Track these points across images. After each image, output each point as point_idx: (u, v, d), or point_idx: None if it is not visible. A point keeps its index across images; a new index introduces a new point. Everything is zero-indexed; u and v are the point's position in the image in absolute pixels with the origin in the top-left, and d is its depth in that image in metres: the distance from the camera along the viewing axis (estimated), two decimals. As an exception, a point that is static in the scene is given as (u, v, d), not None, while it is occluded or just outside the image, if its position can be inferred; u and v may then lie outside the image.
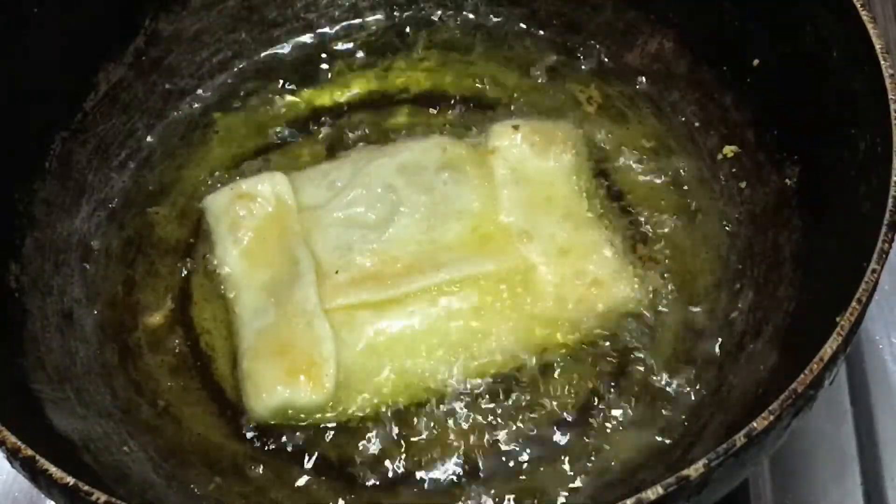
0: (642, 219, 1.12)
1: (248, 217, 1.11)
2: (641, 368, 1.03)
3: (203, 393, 1.05)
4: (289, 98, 1.25)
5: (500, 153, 1.13)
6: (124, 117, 1.21)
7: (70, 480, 0.78)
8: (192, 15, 1.25)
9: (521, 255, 1.06)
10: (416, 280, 1.04)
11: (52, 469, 0.79)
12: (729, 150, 1.14)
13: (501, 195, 1.10)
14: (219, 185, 1.16)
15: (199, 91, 1.26)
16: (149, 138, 1.22)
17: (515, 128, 1.14)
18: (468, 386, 1.01)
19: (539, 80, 1.24)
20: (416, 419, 1.00)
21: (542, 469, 0.98)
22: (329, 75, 1.27)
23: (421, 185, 1.11)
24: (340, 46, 1.29)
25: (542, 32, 1.28)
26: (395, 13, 1.31)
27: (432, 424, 1.00)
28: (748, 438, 0.76)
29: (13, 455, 0.81)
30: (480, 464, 0.98)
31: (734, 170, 1.14)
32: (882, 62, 0.91)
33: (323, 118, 1.23)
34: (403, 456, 0.99)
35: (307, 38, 1.30)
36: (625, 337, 1.04)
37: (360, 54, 1.28)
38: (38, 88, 1.12)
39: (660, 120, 1.20)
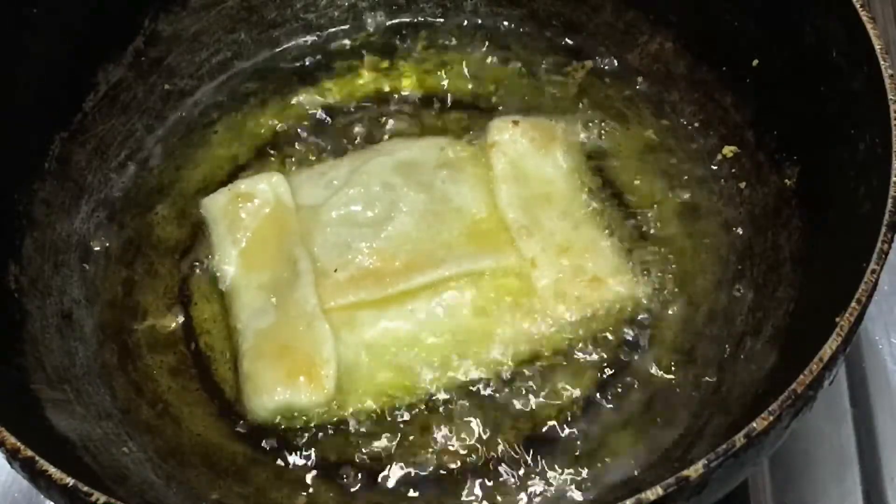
0: (641, 218, 1.12)
1: (247, 217, 1.11)
2: (640, 368, 1.03)
3: (203, 393, 1.05)
4: (288, 98, 1.25)
5: (499, 147, 1.13)
6: (124, 118, 1.21)
7: (70, 481, 0.78)
8: (191, 15, 1.25)
9: (520, 252, 1.06)
10: (415, 278, 1.04)
11: (52, 470, 0.79)
12: (729, 150, 1.14)
13: (500, 191, 1.10)
14: (218, 186, 1.16)
15: (199, 91, 1.26)
16: (148, 138, 1.22)
17: (515, 123, 1.14)
18: (468, 384, 1.01)
19: (538, 81, 1.24)
20: (416, 418, 1.00)
21: (541, 468, 0.97)
22: (328, 76, 1.27)
23: (419, 183, 1.11)
24: (340, 47, 1.30)
25: (541, 33, 1.28)
26: (394, 13, 1.31)
27: (432, 424, 1.00)
28: (748, 439, 0.76)
29: (13, 456, 0.81)
30: (480, 463, 0.98)
31: (734, 170, 1.14)
32: (882, 62, 0.91)
33: (322, 118, 1.23)
34: (404, 456, 0.99)
35: (307, 38, 1.30)
36: (624, 336, 1.04)
37: (359, 55, 1.28)
38: (38, 88, 1.12)
39: (659, 120, 1.20)
